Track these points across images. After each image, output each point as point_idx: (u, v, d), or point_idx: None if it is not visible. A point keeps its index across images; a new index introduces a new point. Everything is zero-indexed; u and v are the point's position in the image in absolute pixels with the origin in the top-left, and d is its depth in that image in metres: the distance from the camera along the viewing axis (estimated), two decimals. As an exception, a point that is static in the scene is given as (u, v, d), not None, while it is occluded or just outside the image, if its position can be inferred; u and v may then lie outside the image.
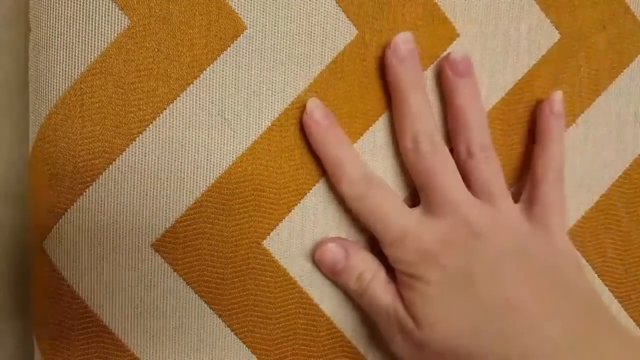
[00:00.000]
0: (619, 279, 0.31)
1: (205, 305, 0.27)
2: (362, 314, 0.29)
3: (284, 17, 0.26)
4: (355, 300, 0.28)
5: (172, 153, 0.26)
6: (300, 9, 0.26)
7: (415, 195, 0.28)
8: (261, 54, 0.26)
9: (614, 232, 0.31)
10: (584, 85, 0.30)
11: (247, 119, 0.27)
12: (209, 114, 0.26)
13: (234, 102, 0.27)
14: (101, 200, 0.26)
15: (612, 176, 0.31)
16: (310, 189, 0.27)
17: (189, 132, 0.26)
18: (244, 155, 0.27)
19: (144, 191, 0.26)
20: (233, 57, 0.26)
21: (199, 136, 0.26)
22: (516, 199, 0.28)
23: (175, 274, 0.27)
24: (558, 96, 0.28)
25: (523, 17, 0.29)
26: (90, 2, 0.25)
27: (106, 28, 0.25)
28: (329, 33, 0.27)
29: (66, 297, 0.26)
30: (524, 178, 0.29)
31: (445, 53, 0.28)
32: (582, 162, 0.30)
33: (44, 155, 0.26)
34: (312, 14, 0.27)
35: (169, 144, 0.26)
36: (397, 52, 0.27)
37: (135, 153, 0.26)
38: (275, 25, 0.26)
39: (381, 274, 0.27)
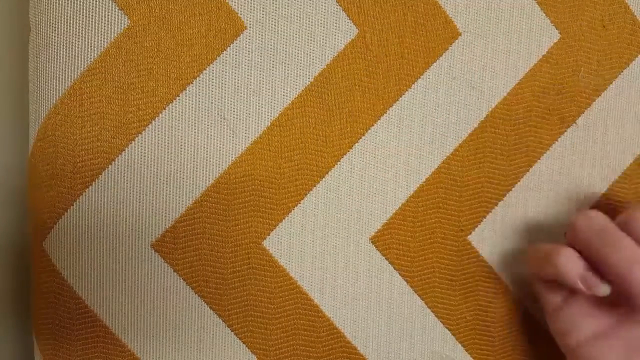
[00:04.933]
0: None
1: (205, 305, 0.27)
2: (362, 314, 0.29)
3: (284, 17, 0.26)
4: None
5: (171, 153, 0.26)
6: (300, 8, 0.26)
7: (417, 197, 0.28)
8: (261, 53, 0.26)
9: (614, 232, 0.31)
10: (584, 85, 0.30)
11: (246, 118, 0.27)
12: (208, 113, 0.26)
13: (234, 102, 0.26)
14: (101, 200, 0.26)
15: (611, 177, 0.31)
16: (311, 189, 0.27)
17: (188, 132, 0.26)
18: (243, 155, 0.27)
19: (143, 191, 0.26)
20: (233, 57, 0.26)
21: (198, 136, 0.26)
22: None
23: (175, 274, 0.27)
24: None
25: (524, 17, 0.29)
26: (90, 2, 0.25)
27: (106, 28, 0.25)
28: (329, 32, 0.27)
29: (66, 297, 0.26)
30: (524, 178, 0.29)
31: (446, 52, 0.28)
32: (582, 162, 0.30)
33: (43, 155, 0.26)
34: (312, 13, 0.27)
35: (168, 143, 0.26)
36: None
37: (135, 153, 0.26)
38: (275, 25, 0.26)
39: None
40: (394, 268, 0.29)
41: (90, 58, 0.25)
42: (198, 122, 0.26)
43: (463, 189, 0.29)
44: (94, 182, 0.26)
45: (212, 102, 0.26)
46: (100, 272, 0.26)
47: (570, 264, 0.26)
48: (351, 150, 0.28)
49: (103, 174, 0.26)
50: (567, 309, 0.28)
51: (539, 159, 0.30)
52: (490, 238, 0.30)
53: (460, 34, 0.28)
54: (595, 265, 0.26)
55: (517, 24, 0.29)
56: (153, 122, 0.26)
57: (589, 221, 0.27)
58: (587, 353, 0.27)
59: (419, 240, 0.29)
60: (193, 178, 0.26)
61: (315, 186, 0.27)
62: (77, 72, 0.25)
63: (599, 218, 0.27)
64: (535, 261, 0.28)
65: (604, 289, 0.26)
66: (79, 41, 0.25)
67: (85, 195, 0.26)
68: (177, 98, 0.26)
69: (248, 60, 0.26)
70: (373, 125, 0.28)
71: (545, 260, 0.27)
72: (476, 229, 0.29)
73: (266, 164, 0.27)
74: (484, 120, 0.29)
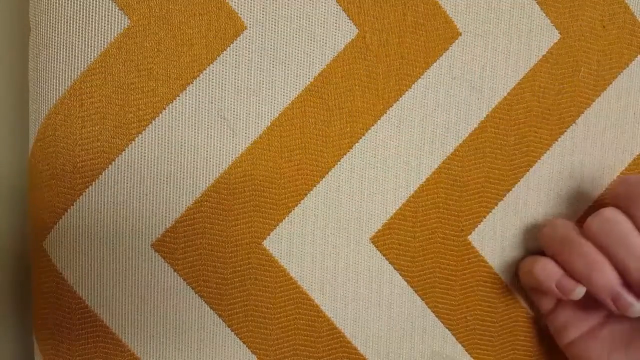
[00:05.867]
0: None
1: (205, 305, 0.27)
2: (362, 314, 0.29)
3: (284, 17, 0.26)
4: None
5: (171, 153, 0.26)
6: (300, 8, 0.26)
7: (417, 197, 0.28)
8: (261, 53, 0.26)
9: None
10: (584, 85, 0.30)
11: (246, 119, 0.27)
12: (208, 113, 0.26)
13: (234, 102, 0.26)
14: (101, 200, 0.26)
15: (611, 176, 0.31)
16: (311, 189, 0.27)
17: (188, 132, 0.26)
18: (243, 155, 0.27)
19: (143, 191, 0.26)
20: (233, 57, 0.26)
21: (198, 136, 0.26)
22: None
23: (175, 273, 0.27)
24: None
25: (523, 16, 0.29)
26: (90, 2, 0.25)
27: (106, 28, 0.25)
28: (329, 32, 0.27)
29: (66, 297, 0.26)
30: (524, 178, 0.29)
31: (446, 52, 0.28)
32: (582, 162, 0.30)
33: (43, 155, 0.26)
34: (312, 13, 0.27)
35: (168, 143, 0.26)
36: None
37: (135, 153, 0.26)
38: (275, 25, 0.26)
39: None
40: (394, 268, 0.29)
41: (90, 58, 0.25)
42: (198, 122, 0.26)
43: (463, 189, 0.29)
44: (94, 182, 0.26)
45: (212, 102, 0.26)
46: (101, 272, 0.26)
47: (546, 272, 0.27)
48: (351, 150, 0.28)
49: (103, 174, 0.26)
50: (561, 311, 0.29)
51: (539, 159, 0.30)
52: (490, 238, 0.30)
53: (460, 34, 0.28)
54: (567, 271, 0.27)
55: (517, 24, 0.29)
56: (153, 122, 0.26)
57: (553, 230, 0.28)
58: (578, 350, 0.28)
59: (419, 240, 0.29)
60: (193, 178, 0.26)
61: (315, 186, 0.28)
62: (77, 72, 0.25)
63: (563, 226, 0.28)
64: (522, 275, 0.29)
65: (578, 292, 0.26)
66: (79, 41, 0.25)
67: (85, 195, 0.26)
68: (177, 98, 0.26)
69: (248, 60, 0.26)
70: (373, 125, 0.28)
71: (527, 272, 0.28)
72: (476, 229, 0.29)
73: (266, 164, 0.27)
74: (484, 120, 0.29)
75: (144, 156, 0.26)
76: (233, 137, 0.27)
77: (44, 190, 0.26)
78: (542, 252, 0.29)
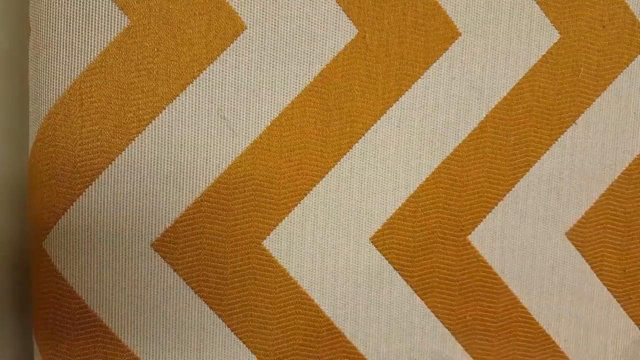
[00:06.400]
0: (617, 279, 0.31)
1: (205, 305, 0.27)
2: (362, 314, 0.29)
3: (284, 17, 0.26)
4: None
5: (171, 153, 0.26)
6: (300, 8, 0.26)
7: (417, 197, 0.28)
8: (261, 53, 0.26)
9: (613, 232, 0.31)
10: (584, 85, 0.30)
11: (246, 118, 0.27)
12: (208, 113, 0.26)
13: (234, 102, 0.27)
14: (101, 200, 0.26)
15: (612, 176, 0.31)
16: (311, 189, 0.27)
17: (188, 131, 0.26)
18: (243, 155, 0.27)
19: (143, 191, 0.26)
20: (233, 56, 0.26)
21: (198, 136, 0.26)
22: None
23: (175, 273, 0.27)
24: None
25: (523, 16, 0.29)
26: (90, 1, 0.25)
27: (106, 28, 0.25)
28: (329, 32, 0.27)
29: (66, 297, 0.26)
30: (524, 178, 0.29)
31: (446, 52, 0.28)
32: (582, 162, 0.30)
33: (43, 155, 0.26)
34: (312, 13, 0.27)
35: (168, 143, 0.26)
36: None
37: (135, 152, 0.26)
38: (275, 25, 0.26)
39: None
40: (394, 268, 0.29)
41: (90, 58, 0.25)
42: (198, 122, 0.26)
43: (463, 188, 0.29)
44: (93, 182, 0.26)
45: (212, 102, 0.26)
46: (100, 272, 0.26)
47: None
48: (351, 150, 0.28)
49: (103, 173, 0.26)
50: None
51: (539, 159, 0.30)
52: (490, 238, 0.30)
53: (460, 34, 0.28)
54: None
55: (517, 24, 0.29)
56: (153, 122, 0.26)
57: None
58: None
59: (419, 240, 0.29)
60: (193, 177, 0.26)
61: (315, 186, 0.28)
62: (77, 72, 0.25)
63: None
64: None
65: None
66: (79, 41, 0.25)
67: (85, 195, 0.26)
68: (177, 98, 0.26)
69: (248, 60, 0.26)
70: (373, 125, 0.28)
71: None
72: (476, 229, 0.30)
73: (266, 164, 0.27)
74: (484, 120, 0.29)
75: (144, 156, 0.26)
76: (233, 137, 0.27)
77: (43, 190, 0.26)
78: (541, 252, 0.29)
